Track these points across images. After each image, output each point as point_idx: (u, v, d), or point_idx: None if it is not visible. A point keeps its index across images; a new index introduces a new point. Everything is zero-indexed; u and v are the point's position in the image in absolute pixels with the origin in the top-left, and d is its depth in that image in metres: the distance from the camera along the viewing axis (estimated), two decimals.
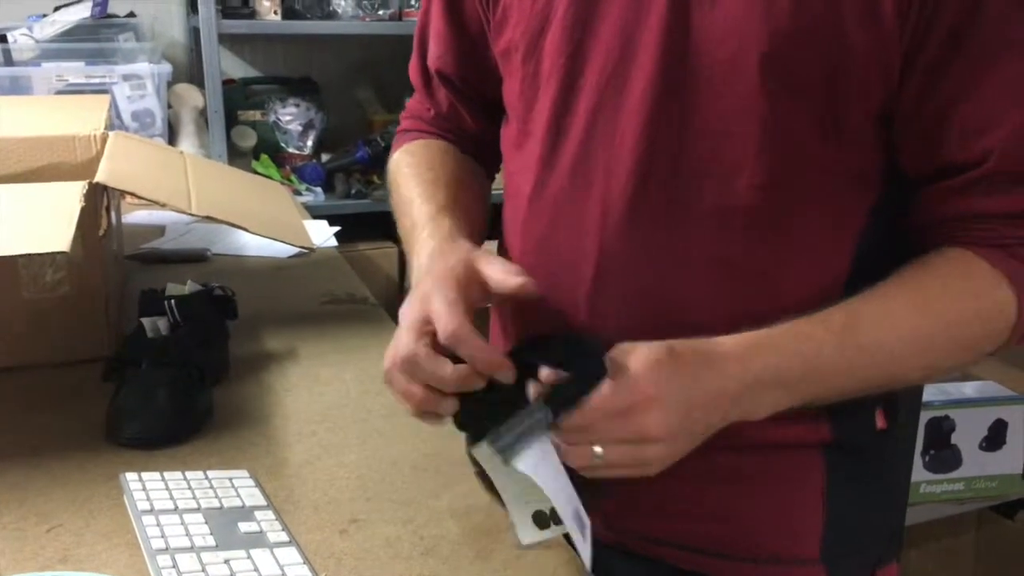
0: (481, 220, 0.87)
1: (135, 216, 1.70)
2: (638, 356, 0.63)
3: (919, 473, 1.59)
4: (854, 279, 0.72)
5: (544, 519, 0.69)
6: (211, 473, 0.82)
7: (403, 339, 0.69)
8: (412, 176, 0.88)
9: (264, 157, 2.42)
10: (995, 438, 1.64)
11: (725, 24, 0.67)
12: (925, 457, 1.60)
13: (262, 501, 0.79)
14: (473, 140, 0.93)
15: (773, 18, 0.66)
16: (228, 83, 2.41)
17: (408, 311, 0.70)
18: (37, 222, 0.91)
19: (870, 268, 0.72)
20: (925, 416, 1.57)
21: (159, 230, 1.63)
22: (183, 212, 1.11)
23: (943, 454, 1.61)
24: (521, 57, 0.77)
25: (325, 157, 2.51)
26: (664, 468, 0.65)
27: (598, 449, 0.63)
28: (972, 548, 1.75)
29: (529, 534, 0.68)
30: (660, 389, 0.63)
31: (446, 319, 0.66)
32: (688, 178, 0.71)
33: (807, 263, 0.72)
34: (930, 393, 1.58)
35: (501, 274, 0.70)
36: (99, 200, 1.11)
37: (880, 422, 0.78)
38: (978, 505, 1.70)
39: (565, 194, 0.76)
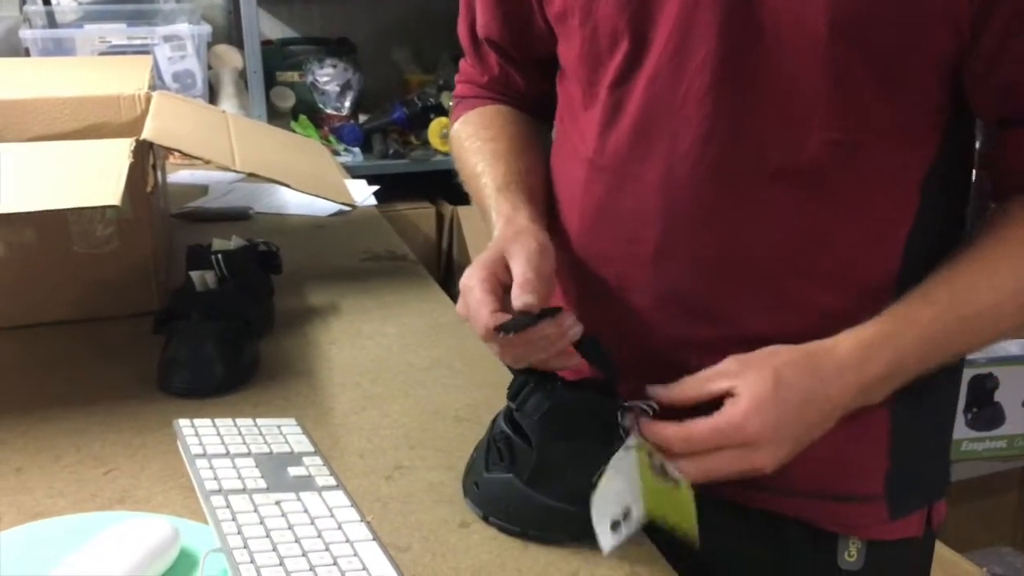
0: (544, 182, 0.87)
1: (179, 176, 1.73)
2: (744, 395, 0.66)
3: (961, 430, 1.58)
4: (914, 238, 0.73)
5: (617, 524, 0.71)
6: (260, 421, 0.84)
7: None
8: (474, 151, 0.88)
9: (302, 118, 2.43)
10: None
11: None
12: (968, 415, 1.60)
13: (310, 448, 0.81)
14: (528, 100, 0.93)
15: None
16: (266, 44, 2.42)
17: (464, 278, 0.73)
18: (87, 177, 0.93)
19: (930, 225, 0.73)
20: (968, 373, 1.56)
21: (202, 190, 1.65)
22: (227, 169, 1.13)
23: (986, 412, 1.61)
24: (578, 21, 0.77)
25: (363, 118, 2.52)
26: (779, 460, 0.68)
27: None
28: (1014, 506, 1.74)
29: (609, 541, 0.70)
30: (767, 431, 0.66)
31: (483, 313, 0.70)
32: (753, 137, 0.70)
33: (869, 221, 0.73)
34: None
35: (515, 285, 0.70)
36: (146, 157, 1.13)
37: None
38: (1020, 463, 1.70)
39: (627, 156, 0.76)
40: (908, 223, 0.73)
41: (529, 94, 0.92)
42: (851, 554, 0.79)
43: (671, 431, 0.67)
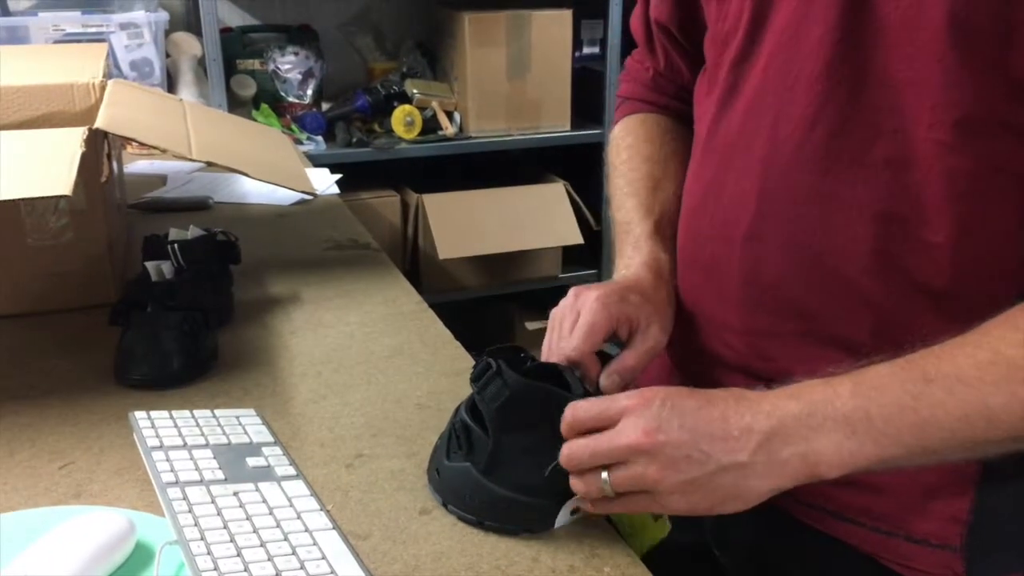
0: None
1: (136, 166, 1.70)
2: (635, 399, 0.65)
3: None
4: None
5: (576, 510, 0.72)
6: (218, 412, 0.84)
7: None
8: (629, 169, 0.90)
9: (264, 107, 2.41)
10: None
11: None
12: None
13: (269, 438, 0.81)
14: (691, 95, 0.91)
15: None
16: (225, 32, 2.39)
17: (578, 301, 0.77)
18: (38, 167, 0.91)
19: None
20: None
21: (160, 180, 1.63)
22: (183, 158, 1.11)
23: None
24: (716, 1, 0.77)
25: (325, 106, 2.50)
26: (692, 505, 0.64)
27: (604, 475, 0.65)
28: None
29: (561, 519, 0.71)
30: (642, 402, 0.64)
31: (573, 345, 0.73)
32: (859, 127, 0.68)
33: (978, 229, 0.66)
34: None
35: (622, 361, 0.75)
36: (100, 146, 1.11)
37: None
38: None
39: (736, 138, 0.75)
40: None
41: (692, 88, 0.91)
42: None
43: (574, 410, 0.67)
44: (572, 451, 0.66)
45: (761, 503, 0.66)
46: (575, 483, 0.67)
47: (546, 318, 0.78)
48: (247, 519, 0.67)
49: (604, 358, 0.76)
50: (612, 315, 0.74)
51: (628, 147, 0.92)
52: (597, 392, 0.73)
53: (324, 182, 1.63)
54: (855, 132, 0.68)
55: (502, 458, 0.71)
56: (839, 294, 0.70)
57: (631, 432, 0.63)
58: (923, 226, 0.67)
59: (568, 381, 0.72)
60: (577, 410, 0.67)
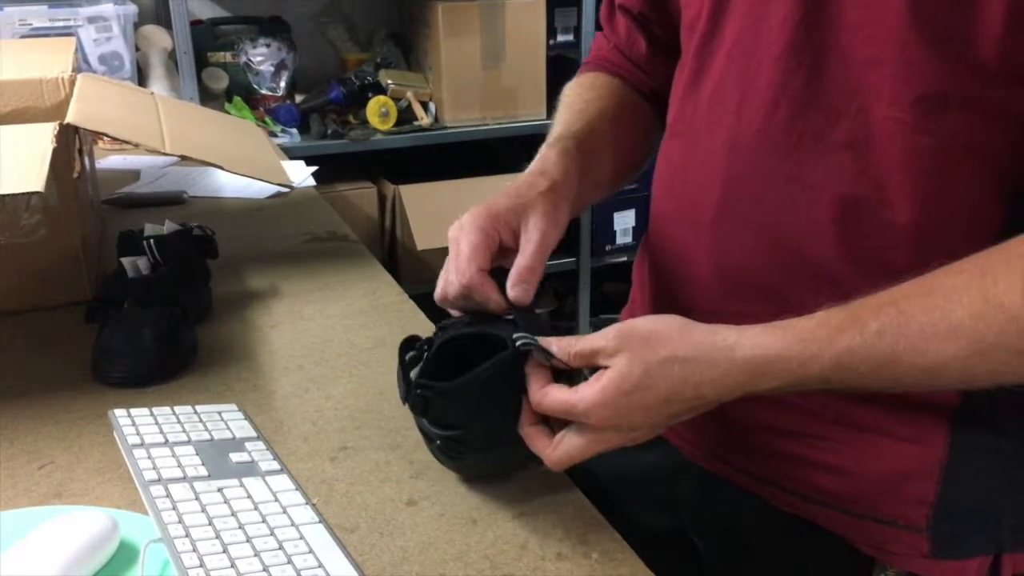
0: (618, 155, 0.87)
1: (109, 161, 1.68)
2: (602, 381, 0.63)
3: None
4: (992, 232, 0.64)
5: None
6: (200, 408, 0.83)
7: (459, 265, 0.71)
8: (566, 106, 0.89)
9: (237, 99, 2.38)
10: None
11: None
12: None
13: (252, 433, 0.80)
14: (647, 74, 0.92)
15: None
16: (195, 24, 2.36)
17: (452, 230, 0.73)
18: (8, 164, 0.90)
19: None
20: None
21: (134, 175, 1.61)
22: (156, 152, 1.10)
23: None
24: None
25: (299, 98, 2.48)
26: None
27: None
28: None
29: None
30: (610, 423, 0.64)
31: (461, 270, 0.70)
32: (820, 108, 0.68)
33: (939, 207, 0.66)
34: None
35: (517, 269, 0.71)
36: (71, 142, 1.09)
37: None
38: None
39: (702, 122, 0.76)
40: (997, 222, 0.65)
41: (649, 67, 0.92)
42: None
43: (533, 387, 0.66)
44: (543, 404, 0.66)
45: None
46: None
47: None
48: (232, 515, 0.67)
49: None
50: (485, 229, 0.71)
51: (572, 93, 0.92)
52: (525, 321, 0.69)
53: (300, 174, 1.62)
54: (816, 114, 0.69)
55: (480, 437, 0.71)
56: (806, 276, 0.70)
57: (594, 418, 0.64)
58: (885, 206, 0.67)
59: (493, 334, 0.69)
60: (544, 402, 0.66)
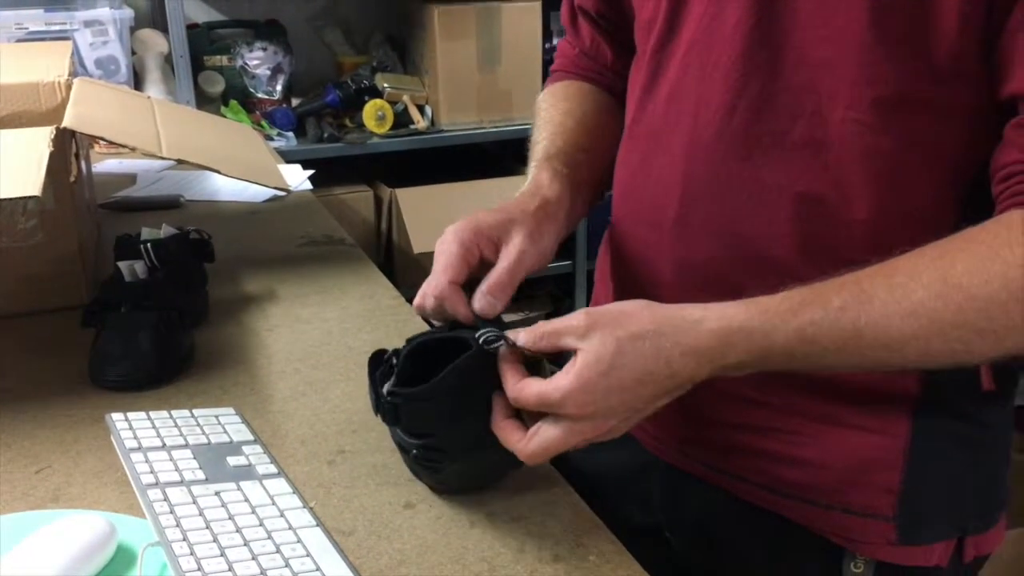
0: (602, 164, 0.87)
1: (105, 165, 1.68)
2: (576, 366, 0.63)
3: None
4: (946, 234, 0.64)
5: None
6: (197, 411, 0.83)
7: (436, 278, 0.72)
8: (545, 120, 0.89)
9: (233, 103, 2.38)
10: None
11: None
12: None
13: (249, 436, 0.80)
14: (617, 75, 0.92)
15: None
16: (191, 27, 2.36)
17: (440, 242, 0.74)
18: (5, 168, 0.90)
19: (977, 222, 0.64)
20: None
21: (130, 179, 1.61)
22: (153, 155, 1.10)
23: None
24: None
25: (295, 101, 2.48)
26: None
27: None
28: None
29: None
30: (587, 409, 0.63)
31: (435, 282, 0.70)
32: (778, 110, 0.69)
33: (896, 206, 0.67)
34: None
35: (487, 283, 0.71)
36: (68, 146, 1.09)
37: (986, 382, 0.71)
38: None
39: (660, 124, 0.76)
40: (950, 218, 0.66)
41: (616, 70, 0.92)
42: (857, 565, 0.75)
43: (508, 382, 0.66)
44: (519, 398, 0.66)
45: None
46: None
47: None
48: (229, 518, 0.67)
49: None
50: (464, 243, 0.72)
51: (548, 105, 0.92)
52: (492, 324, 0.70)
53: (297, 178, 1.62)
54: (774, 116, 0.69)
55: (455, 442, 0.70)
56: (768, 275, 0.70)
57: (570, 407, 0.63)
58: (843, 205, 0.68)
59: (460, 338, 0.69)
60: (521, 396, 0.65)
